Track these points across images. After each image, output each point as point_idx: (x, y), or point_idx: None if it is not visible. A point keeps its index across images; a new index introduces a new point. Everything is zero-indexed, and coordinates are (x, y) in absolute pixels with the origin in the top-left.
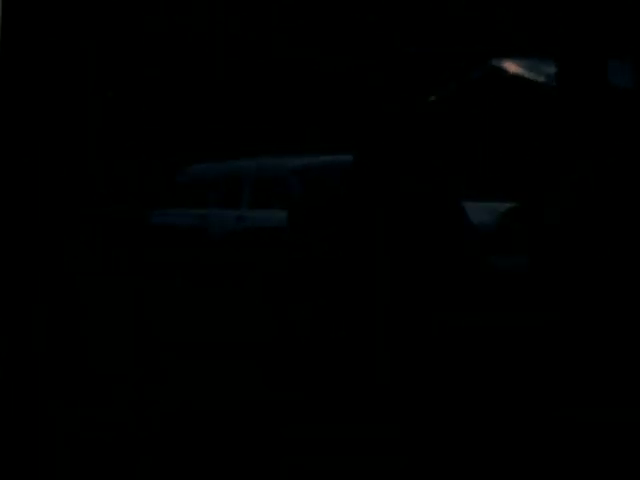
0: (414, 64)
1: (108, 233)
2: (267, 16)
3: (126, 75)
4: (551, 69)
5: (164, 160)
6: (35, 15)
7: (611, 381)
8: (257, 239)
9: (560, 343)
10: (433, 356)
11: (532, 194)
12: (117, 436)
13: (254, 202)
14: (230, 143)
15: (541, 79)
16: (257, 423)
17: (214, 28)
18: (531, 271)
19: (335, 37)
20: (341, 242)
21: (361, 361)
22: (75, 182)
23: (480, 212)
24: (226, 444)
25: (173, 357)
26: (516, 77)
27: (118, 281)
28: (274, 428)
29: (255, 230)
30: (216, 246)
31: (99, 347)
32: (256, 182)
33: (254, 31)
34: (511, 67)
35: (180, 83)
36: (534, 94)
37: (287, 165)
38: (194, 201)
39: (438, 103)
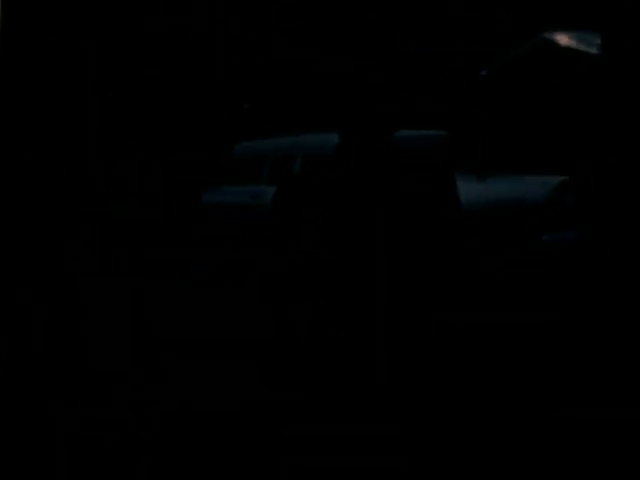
0: (414, 64)
1: (108, 233)
2: (267, 16)
3: (126, 75)
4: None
5: (164, 160)
6: (35, 15)
7: (611, 381)
8: None
9: (560, 343)
10: (433, 356)
11: (584, 166)
12: (117, 436)
13: None
14: (230, 142)
15: (593, 51)
16: (257, 423)
17: (214, 28)
18: (580, 244)
19: (335, 37)
20: (334, 227)
21: (361, 361)
22: (75, 182)
23: (533, 185)
24: (226, 444)
25: (173, 357)
26: (568, 49)
27: (118, 281)
28: (274, 428)
29: None
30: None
31: (99, 347)
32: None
33: (254, 31)
34: (563, 39)
35: (180, 83)
36: (586, 66)
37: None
38: (247, 178)
39: (490, 76)
